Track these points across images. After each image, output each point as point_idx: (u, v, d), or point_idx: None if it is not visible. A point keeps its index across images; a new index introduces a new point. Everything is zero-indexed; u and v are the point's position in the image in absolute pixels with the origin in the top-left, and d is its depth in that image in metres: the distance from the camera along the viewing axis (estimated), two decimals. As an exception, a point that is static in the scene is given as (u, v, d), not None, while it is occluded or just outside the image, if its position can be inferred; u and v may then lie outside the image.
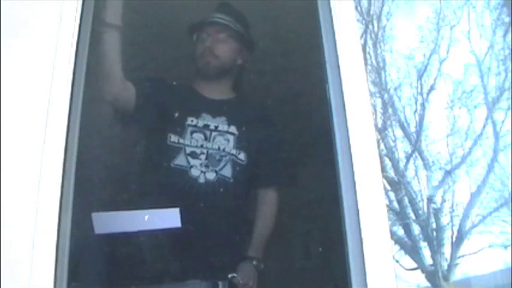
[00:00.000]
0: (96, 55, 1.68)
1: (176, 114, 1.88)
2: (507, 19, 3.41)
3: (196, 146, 1.85)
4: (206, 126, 1.88)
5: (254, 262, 1.83)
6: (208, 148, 1.86)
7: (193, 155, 1.83)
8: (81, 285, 1.48)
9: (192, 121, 1.88)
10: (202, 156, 1.84)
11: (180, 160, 1.83)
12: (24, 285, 1.12)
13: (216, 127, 1.89)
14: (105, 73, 1.74)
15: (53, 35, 1.33)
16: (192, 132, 1.86)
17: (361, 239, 1.21)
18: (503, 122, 3.82)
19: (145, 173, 1.89)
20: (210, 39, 1.94)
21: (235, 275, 1.75)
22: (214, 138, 1.87)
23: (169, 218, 1.70)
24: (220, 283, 1.72)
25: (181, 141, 1.85)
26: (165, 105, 1.89)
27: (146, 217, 1.69)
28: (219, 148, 1.87)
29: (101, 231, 1.63)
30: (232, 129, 1.90)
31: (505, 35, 3.63)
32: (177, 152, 1.84)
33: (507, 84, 3.75)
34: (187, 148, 1.84)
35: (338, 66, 1.37)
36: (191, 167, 1.82)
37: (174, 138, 1.85)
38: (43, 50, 1.33)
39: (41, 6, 1.38)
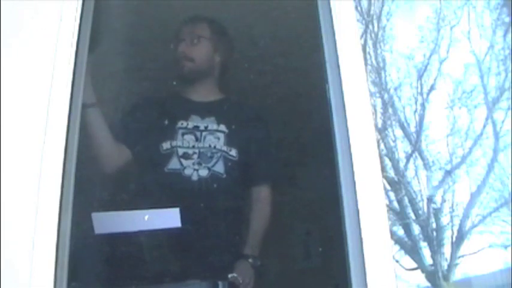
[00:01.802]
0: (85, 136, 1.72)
1: (166, 122, 1.90)
2: (507, 19, 3.41)
3: (188, 147, 1.86)
4: (196, 127, 1.90)
5: (250, 260, 1.83)
6: (200, 147, 1.87)
7: (186, 156, 1.85)
8: (81, 285, 1.48)
9: (182, 124, 1.90)
10: (195, 156, 1.86)
11: (174, 164, 1.84)
12: (24, 285, 1.12)
13: (206, 127, 1.91)
14: (98, 151, 1.79)
15: (53, 35, 1.33)
16: (183, 134, 1.88)
17: (361, 239, 1.21)
18: (503, 122, 3.82)
19: (140, 180, 1.89)
20: (183, 43, 1.95)
21: (235, 274, 1.75)
22: (204, 138, 1.89)
23: (169, 218, 1.70)
24: (220, 283, 1.72)
25: (173, 143, 1.86)
26: (154, 117, 1.92)
27: (146, 217, 1.69)
28: (209, 146, 1.88)
29: (101, 231, 1.63)
30: (222, 127, 1.91)
31: (505, 35, 3.63)
32: (170, 156, 1.85)
33: (507, 84, 3.75)
34: (179, 150, 1.86)
35: (338, 66, 1.37)
36: (184, 168, 1.83)
37: (166, 145, 1.86)
38: (43, 50, 1.33)
39: (41, 6, 1.38)
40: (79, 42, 1.35)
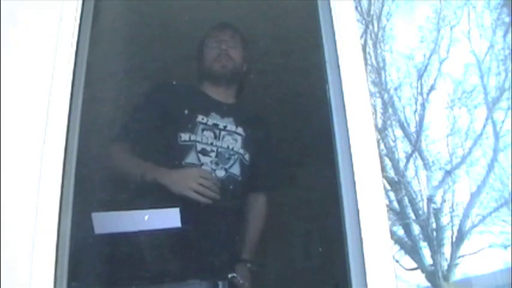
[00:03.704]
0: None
1: (186, 112, 1.90)
2: (507, 19, 3.41)
3: (207, 144, 1.87)
4: (215, 125, 1.91)
5: (249, 264, 1.86)
6: (218, 146, 1.89)
7: (204, 152, 1.86)
8: (81, 285, 1.48)
9: (202, 119, 1.90)
10: (213, 154, 1.87)
11: (192, 158, 1.84)
12: (24, 285, 1.12)
13: (225, 127, 1.92)
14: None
15: (53, 35, 1.33)
16: (203, 130, 1.89)
17: (361, 239, 1.21)
18: (503, 122, 3.82)
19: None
20: (225, 43, 2.00)
21: (235, 275, 1.76)
22: (223, 137, 1.90)
23: (169, 218, 1.70)
24: (220, 283, 1.72)
25: (192, 137, 1.86)
26: (174, 105, 1.92)
27: (146, 217, 1.69)
28: (228, 147, 1.90)
29: (101, 231, 1.63)
30: (240, 130, 1.94)
31: (505, 35, 3.63)
32: (189, 149, 1.85)
33: (507, 84, 3.76)
34: (198, 145, 1.86)
35: (338, 66, 1.37)
36: (202, 164, 1.84)
37: (185, 136, 1.86)
38: (43, 50, 1.33)
39: (41, 6, 1.38)
40: (79, 42, 1.35)
